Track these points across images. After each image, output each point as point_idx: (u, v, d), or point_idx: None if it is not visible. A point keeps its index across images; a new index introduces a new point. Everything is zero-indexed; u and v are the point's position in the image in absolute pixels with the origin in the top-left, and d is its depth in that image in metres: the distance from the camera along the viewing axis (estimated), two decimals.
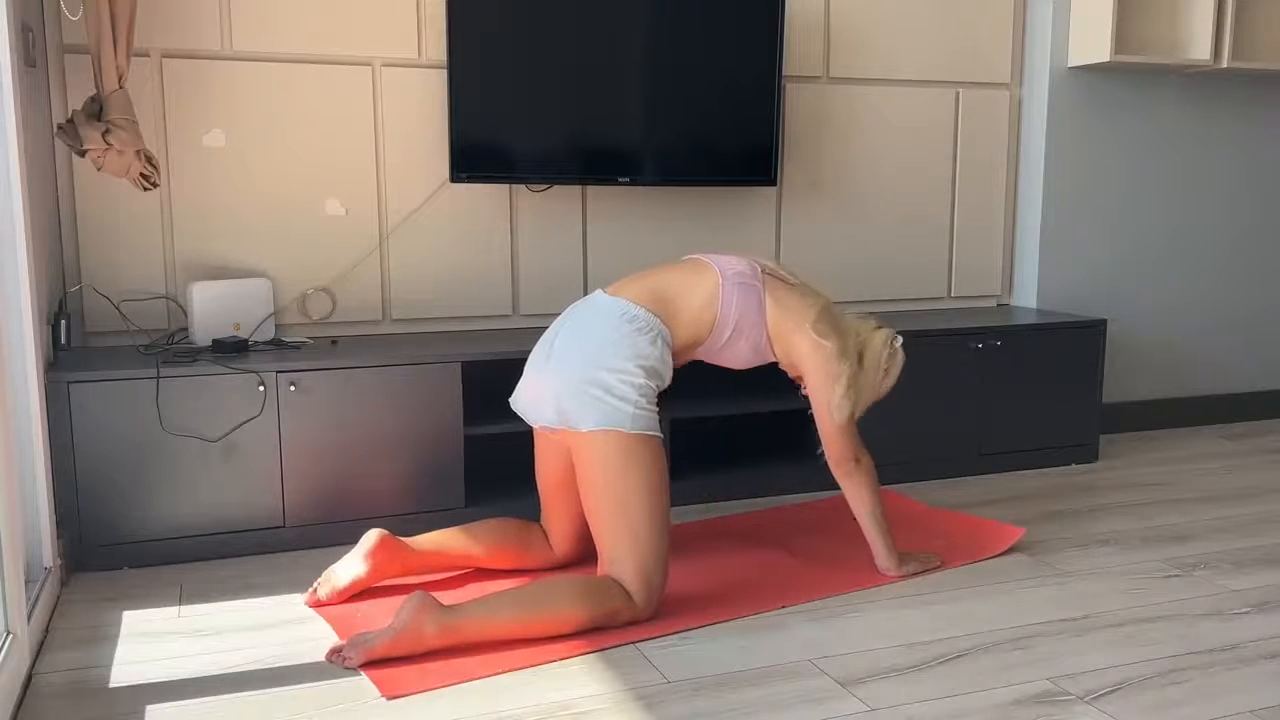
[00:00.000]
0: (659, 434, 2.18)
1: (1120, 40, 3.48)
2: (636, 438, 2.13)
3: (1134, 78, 3.70)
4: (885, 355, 2.35)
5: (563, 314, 2.34)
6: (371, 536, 2.28)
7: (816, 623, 2.17)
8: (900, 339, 2.39)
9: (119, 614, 2.20)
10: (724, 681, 1.91)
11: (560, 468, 2.33)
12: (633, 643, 2.05)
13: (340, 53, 2.91)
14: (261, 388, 2.50)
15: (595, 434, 2.13)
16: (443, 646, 1.97)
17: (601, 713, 1.79)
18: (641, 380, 2.17)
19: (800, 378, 2.38)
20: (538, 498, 2.51)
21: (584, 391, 2.15)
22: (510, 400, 2.36)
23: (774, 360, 2.39)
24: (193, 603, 2.26)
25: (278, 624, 2.15)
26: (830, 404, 2.30)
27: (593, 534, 2.20)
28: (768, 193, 3.40)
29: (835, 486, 3.07)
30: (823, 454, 2.40)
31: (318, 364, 2.55)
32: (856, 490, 2.37)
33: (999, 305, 3.77)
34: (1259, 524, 2.83)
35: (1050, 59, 3.58)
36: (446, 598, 2.18)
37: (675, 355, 2.29)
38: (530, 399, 2.28)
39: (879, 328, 2.39)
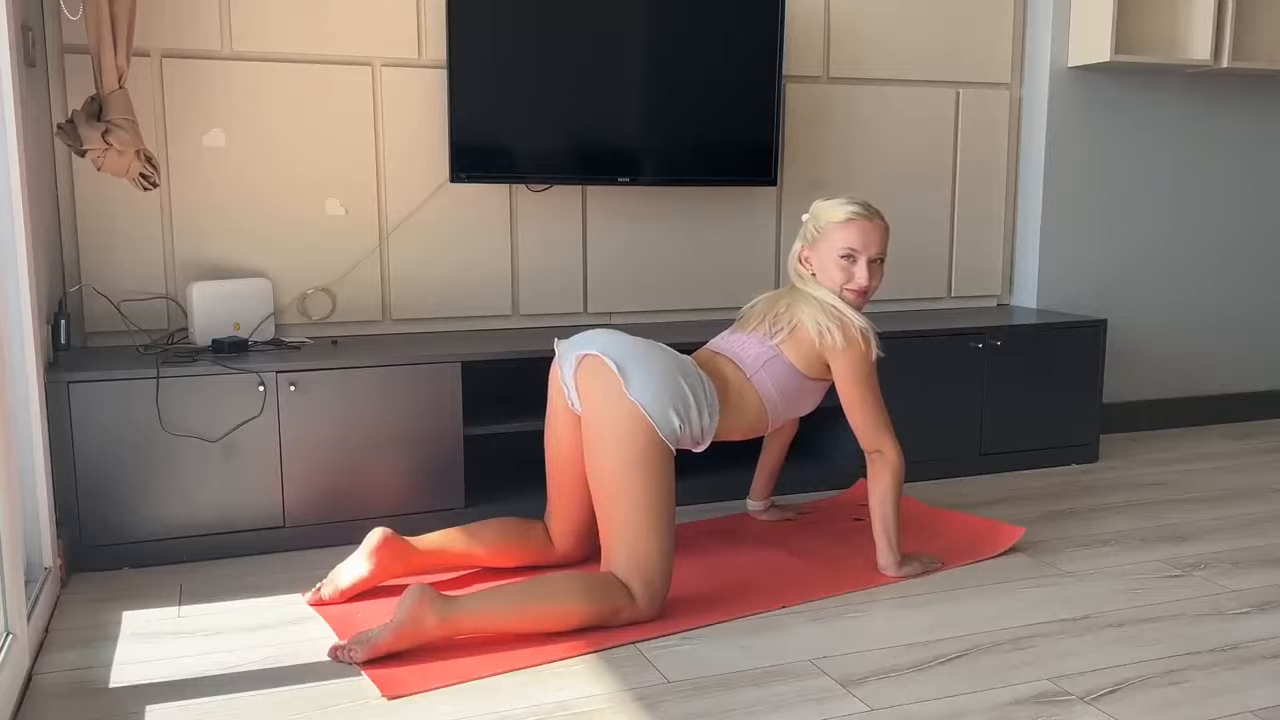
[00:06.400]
0: (674, 454, 2.20)
1: (1120, 40, 3.48)
2: (662, 443, 2.14)
3: (1134, 78, 3.70)
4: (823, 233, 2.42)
5: None
6: (375, 535, 2.29)
7: (816, 623, 2.17)
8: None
9: (119, 614, 2.20)
10: (724, 681, 1.91)
11: (570, 440, 2.30)
12: (633, 643, 2.05)
13: (340, 53, 2.91)
14: (261, 388, 2.50)
15: (633, 408, 2.12)
16: (443, 637, 1.97)
17: (601, 713, 1.79)
18: (692, 418, 2.20)
19: None
20: (538, 498, 2.51)
21: (652, 372, 2.17)
22: (557, 339, 2.35)
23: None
24: (193, 603, 2.26)
25: (278, 624, 2.15)
26: (853, 382, 2.36)
27: (598, 522, 2.19)
28: (768, 192, 3.39)
29: (835, 487, 3.09)
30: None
31: (318, 364, 2.55)
32: (873, 482, 2.39)
33: (999, 305, 3.77)
34: (1259, 524, 2.83)
35: (1050, 59, 3.58)
36: None
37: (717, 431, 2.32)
38: (583, 337, 2.27)
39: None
